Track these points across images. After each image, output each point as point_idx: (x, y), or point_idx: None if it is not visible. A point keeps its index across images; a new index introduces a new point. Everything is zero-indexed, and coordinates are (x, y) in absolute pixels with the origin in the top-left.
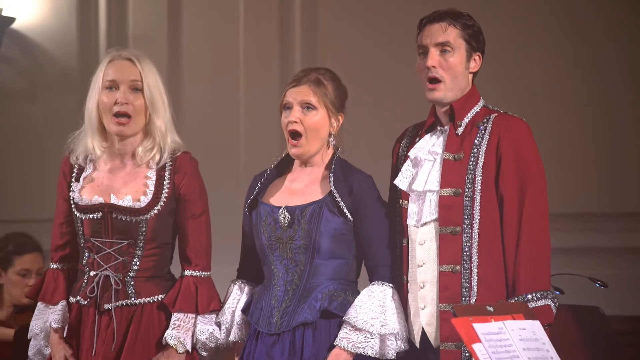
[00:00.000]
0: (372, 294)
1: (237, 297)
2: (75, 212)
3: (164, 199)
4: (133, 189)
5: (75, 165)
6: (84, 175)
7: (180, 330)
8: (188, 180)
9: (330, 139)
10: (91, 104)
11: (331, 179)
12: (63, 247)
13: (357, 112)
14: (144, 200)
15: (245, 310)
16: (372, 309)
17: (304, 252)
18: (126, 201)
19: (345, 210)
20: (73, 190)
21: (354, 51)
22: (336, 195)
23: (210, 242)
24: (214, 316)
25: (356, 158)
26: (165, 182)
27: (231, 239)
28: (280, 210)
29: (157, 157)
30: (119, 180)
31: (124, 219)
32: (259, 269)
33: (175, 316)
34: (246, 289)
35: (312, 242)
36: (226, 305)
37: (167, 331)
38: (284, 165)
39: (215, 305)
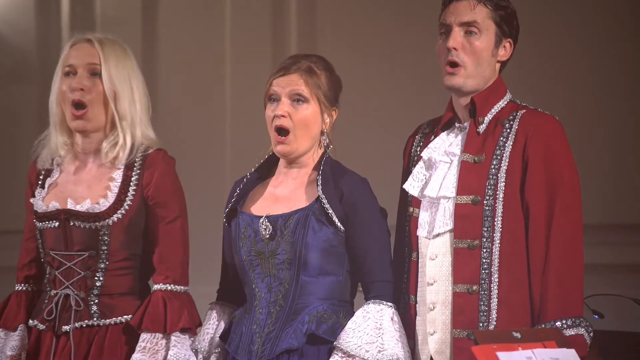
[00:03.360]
0: (367, 314)
1: (215, 322)
2: (36, 222)
3: (130, 202)
4: (95, 193)
5: (42, 171)
6: (49, 180)
7: (147, 354)
8: (158, 179)
9: (323, 138)
10: (52, 95)
11: (319, 183)
12: (28, 265)
13: (355, 107)
14: (104, 204)
15: (224, 336)
16: (367, 332)
17: (289, 268)
18: (84, 206)
19: (335, 218)
20: (35, 197)
21: (355, 37)
22: (324, 201)
23: (187, 252)
24: (190, 340)
25: (354, 160)
26: (132, 183)
27: (212, 254)
28: (260, 220)
29: (122, 154)
30: (83, 184)
31: (82, 226)
32: (242, 288)
33: (141, 337)
34: (226, 312)
35: (297, 256)
36: (203, 331)
37: (133, 355)
38: (267, 168)
39: (185, 322)
